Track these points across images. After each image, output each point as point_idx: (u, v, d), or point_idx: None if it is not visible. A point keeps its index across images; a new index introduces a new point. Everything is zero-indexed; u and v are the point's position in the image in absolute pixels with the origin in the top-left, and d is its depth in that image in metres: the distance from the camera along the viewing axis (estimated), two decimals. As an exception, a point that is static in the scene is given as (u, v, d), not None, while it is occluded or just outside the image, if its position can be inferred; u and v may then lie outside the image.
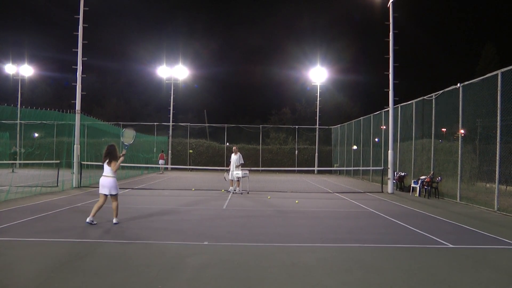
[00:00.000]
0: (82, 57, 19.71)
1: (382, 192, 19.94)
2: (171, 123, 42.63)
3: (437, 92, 18.24)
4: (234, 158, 18.61)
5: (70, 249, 7.49)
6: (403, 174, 21.76)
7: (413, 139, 21.28)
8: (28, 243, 7.96)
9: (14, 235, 8.54)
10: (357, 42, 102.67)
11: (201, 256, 7.18)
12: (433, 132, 18.76)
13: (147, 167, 33.15)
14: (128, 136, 11.05)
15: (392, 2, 20.09)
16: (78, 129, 19.64)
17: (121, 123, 37.96)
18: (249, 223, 10.62)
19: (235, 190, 18.31)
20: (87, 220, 9.80)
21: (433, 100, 18.58)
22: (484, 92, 14.67)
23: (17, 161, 27.04)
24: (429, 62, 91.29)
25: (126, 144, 10.85)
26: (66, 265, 6.47)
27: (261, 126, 43.91)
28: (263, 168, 36.37)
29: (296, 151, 41.71)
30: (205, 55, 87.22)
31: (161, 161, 35.47)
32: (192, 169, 39.59)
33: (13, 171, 24.88)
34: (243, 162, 18.80)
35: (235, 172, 18.15)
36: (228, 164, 19.40)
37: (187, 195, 16.93)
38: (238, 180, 18.39)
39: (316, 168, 39.13)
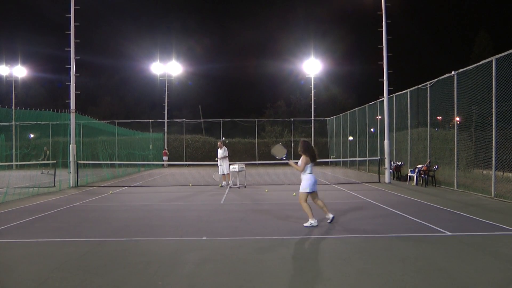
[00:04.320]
0: (75, 56, 19.61)
1: (379, 182, 19.98)
2: (166, 120, 42.57)
3: (432, 81, 18.24)
4: (220, 152, 18.82)
5: (70, 248, 7.47)
6: (399, 163, 21.81)
7: (409, 128, 21.32)
8: (27, 243, 7.94)
9: (13, 236, 8.51)
10: (350, 33, 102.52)
11: (200, 251, 7.18)
12: (428, 121, 18.79)
13: (144, 164, 33.14)
14: (279, 151, 10.58)
15: (384, -9, 20.06)
16: (73, 128, 19.56)
17: (116, 121, 37.91)
18: (247, 217, 10.62)
19: (230, 185, 18.40)
20: (328, 218, 9.55)
21: (428, 88, 18.59)
22: (479, 79, 14.69)
23: (13, 163, 26.97)
24: (423, 50, 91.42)
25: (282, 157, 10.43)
26: (65, 264, 6.46)
27: (256, 119, 43.88)
28: (259, 162, 36.38)
29: (292, 144, 41.72)
30: (198, 51, 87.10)
31: (164, 158, 37.68)
32: (189, 164, 39.61)
33: (42, 172, 24.73)
34: (226, 154, 18.92)
35: (232, 166, 18.19)
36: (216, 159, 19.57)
37: (184, 191, 16.92)
38: (229, 174, 18.54)
39: (312, 160, 39.11)
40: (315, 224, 9.26)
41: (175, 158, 40.11)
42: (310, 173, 9.53)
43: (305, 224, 9.30)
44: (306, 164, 9.44)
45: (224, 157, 18.68)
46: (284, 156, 10.37)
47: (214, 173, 19.47)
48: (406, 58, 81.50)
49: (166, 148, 40.41)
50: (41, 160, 26.51)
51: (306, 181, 9.45)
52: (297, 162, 9.64)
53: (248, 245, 7.63)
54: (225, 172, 18.63)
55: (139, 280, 5.71)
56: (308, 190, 9.41)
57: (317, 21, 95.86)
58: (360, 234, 8.45)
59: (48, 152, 28.50)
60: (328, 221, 9.54)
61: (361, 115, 29.59)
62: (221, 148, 18.93)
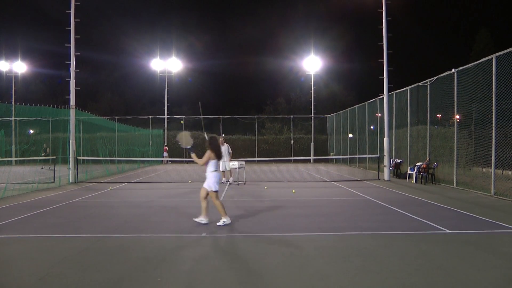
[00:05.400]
0: (75, 52, 19.59)
1: (379, 179, 19.99)
2: (166, 116, 42.53)
3: (432, 78, 18.24)
4: (223, 148, 18.67)
5: (69, 244, 7.48)
6: (399, 161, 21.81)
7: (409, 125, 21.32)
8: (27, 239, 7.94)
9: (13, 232, 8.51)
10: (351, 30, 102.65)
11: (199, 248, 7.18)
12: (428, 118, 18.78)
13: (143, 161, 33.14)
14: (185, 140, 10.43)
15: (385, -11, 20.03)
16: (73, 124, 19.55)
17: (116, 117, 37.86)
18: (247, 214, 10.62)
19: (231, 181, 18.37)
20: (201, 220, 9.30)
21: (428, 86, 18.58)
22: (479, 77, 14.68)
23: (13, 158, 26.96)
24: (423, 48, 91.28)
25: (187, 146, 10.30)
26: (65, 260, 6.46)
27: (256, 116, 43.83)
28: (259, 159, 36.41)
29: (292, 141, 41.74)
30: (198, 47, 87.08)
31: (165, 154, 38.48)
32: (188, 161, 39.61)
33: (42, 167, 24.72)
34: (231, 151, 18.85)
35: (231, 163, 18.17)
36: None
37: (184, 187, 16.93)
38: (230, 171, 18.50)
39: (312, 157, 39.17)
40: (228, 222, 9.08)
41: (175, 155, 40.13)
42: (215, 170, 9.30)
43: (218, 223, 9.10)
44: (209, 159, 9.23)
45: (229, 153, 18.61)
46: (189, 147, 10.21)
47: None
48: (406, 55, 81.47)
49: (165, 144, 40.51)
50: (42, 156, 26.52)
51: (212, 179, 9.19)
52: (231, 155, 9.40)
53: (247, 241, 7.64)
54: (227, 169, 18.58)
55: (138, 276, 5.72)
56: (215, 189, 9.16)
57: (318, 18, 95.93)
58: (359, 231, 8.46)
59: (48, 149, 28.54)
60: (197, 219, 9.29)
61: (361, 113, 29.59)
62: (223, 144, 18.84)
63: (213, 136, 9.67)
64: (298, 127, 45.97)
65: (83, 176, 20.40)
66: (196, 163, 9.50)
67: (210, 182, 9.17)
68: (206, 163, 9.28)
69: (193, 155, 9.71)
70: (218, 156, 9.38)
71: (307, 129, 44.11)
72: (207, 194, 9.24)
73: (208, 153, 9.24)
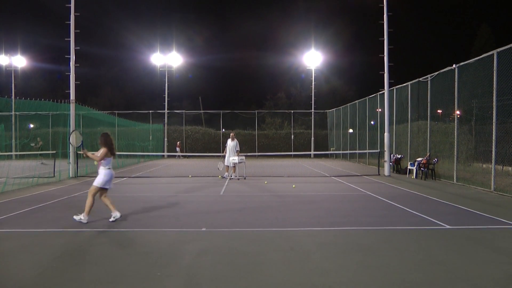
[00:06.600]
0: (75, 46, 19.53)
1: (379, 174, 19.99)
2: (166, 111, 42.48)
3: (433, 74, 18.20)
4: (231, 144, 18.71)
5: (69, 239, 7.49)
6: (399, 156, 21.80)
7: (409, 121, 21.30)
8: (27, 234, 7.94)
9: (13, 226, 8.52)
10: (351, 25, 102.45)
11: (199, 242, 7.18)
12: (429, 114, 18.76)
13: (143, 155, 33.15)
14: (75, 139, 10.47)
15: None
16: (73, 119, 19.52)
17: (116, 111, 37.84)
18: (247, 209, 10.63)
19: (231, 176, 18.35)
20: (113, 216, 9.11)
21: (429, 81, 18.55)
22: (480, 73, 14.65)
23: (13, 153, 26.97)
24: (424, 43, 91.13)
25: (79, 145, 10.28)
26: (65, 254, 6.46)
27: (256, 111, 43.78)
28: (259, 154, 36.40)
29: (292, 136, 41.70)
30: (198, 42, 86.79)
31: (177, 149, 39.63)
32: (188, 156, 39.67)
33: (42, 163, 24.71)
34: (239, 149, 18.88)
35: (231, 158, 18.17)
36: (224, 149, 19.59)
37: (184, 182, 16.92)
38: (234, 166, 18.45)
39: (312, 152, 39.18)
40: (85, 221, 8.80)
41: (175, 149, 40.15)
42: (109, 168, 9.24)
43: (75, 217, 8.95)
44: (105, 156, 9.16)
45: (236, 151, 18.64)
46: (80, 144, 10.23)
47: (219, 162, 19.55)
48: (407, 51, 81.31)
49: (179, 141, 41.01)
50: (33, 146, 26.60)
51: (103, 176, 9.09)
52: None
53: (247, 236, 7.64)
54: (231, 165, 18.55)
55: (138, 271, 5.72)
56: (101, 186, 9.07)
57: (318, 12, 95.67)
58: (359, 226, 8.46)
59: (40, 142, 28.68)
60: (111, 219, 8.99)
61: (361, 108, 29.55)
62: (232, 140, 18.87)
63: (105, 133, 9.51)
64: (298, 122, 45.93)
65: (83, 171, 20.40)
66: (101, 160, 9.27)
67: (100, 178, 9.08)
68: (103, 159, 9.21)
69: (84, 151, 9.64)
70: (112, 153, 9.36)
71: (308, 124, 44.08)
72: (97, 192, 9.12)
73: (103, 151, 9.15)
